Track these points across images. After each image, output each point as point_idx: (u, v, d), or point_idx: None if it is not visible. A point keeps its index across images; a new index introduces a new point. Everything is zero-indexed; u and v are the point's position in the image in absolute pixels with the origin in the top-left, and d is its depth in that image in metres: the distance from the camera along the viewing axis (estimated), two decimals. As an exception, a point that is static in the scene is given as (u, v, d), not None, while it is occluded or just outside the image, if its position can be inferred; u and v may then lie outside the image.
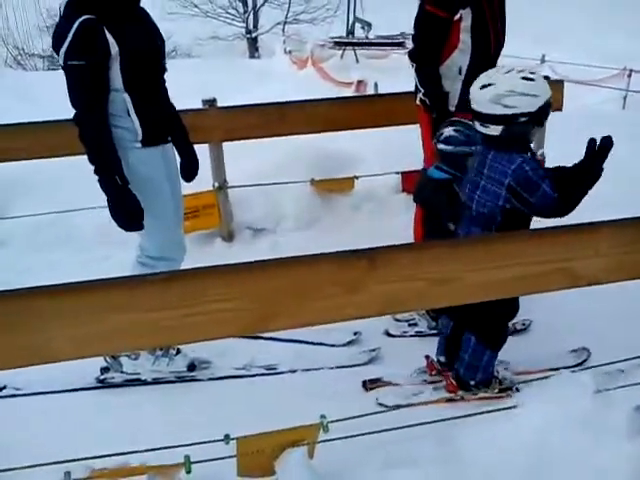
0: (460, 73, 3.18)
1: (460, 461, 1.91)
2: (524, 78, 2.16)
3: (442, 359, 2.67)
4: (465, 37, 3.13)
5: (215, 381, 2.77)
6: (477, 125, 2.27)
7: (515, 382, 2.53)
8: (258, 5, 21.94)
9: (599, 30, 16.55)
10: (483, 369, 2.48)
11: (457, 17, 3.08)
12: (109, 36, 2.34)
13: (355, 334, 3.00)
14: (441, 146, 2.82)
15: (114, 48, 2.36)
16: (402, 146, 4.23)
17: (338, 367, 2.79)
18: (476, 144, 2.78)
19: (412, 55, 3.28)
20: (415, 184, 3.13)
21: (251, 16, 22.03)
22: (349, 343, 2.98)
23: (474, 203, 2.31)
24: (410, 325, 3.08)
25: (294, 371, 2.79)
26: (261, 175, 4.31)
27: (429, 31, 3.16)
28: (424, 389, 2.58)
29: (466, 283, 1.91)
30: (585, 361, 2.73)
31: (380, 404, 2.45)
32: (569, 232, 1.98)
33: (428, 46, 3.17)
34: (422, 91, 3.20)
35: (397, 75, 10.29)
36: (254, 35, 21.62)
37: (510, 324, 2.75)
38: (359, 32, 16.42)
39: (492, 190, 2.22)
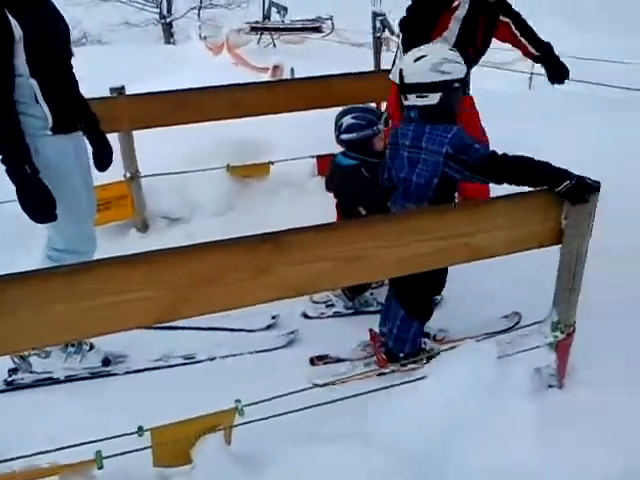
0: None
1: (374, 435, 1.97)
2: (448, 49, 2.39)
3: (385, 330, 2.74)
4: (454, 26, 3.17)
5: (132, 374, 2.72)
6: (413, 99, 2.33)
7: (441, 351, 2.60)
8: (171, -10, 21.31)
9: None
10: (411, 341, 2.58)
11: (456, 3, 3.14)
12: (12, 19, 2.23)
13: (273, 318, 3.02)
14: (344, 136, 2.89)
15: (17, 32, 2.24)
16: (316, 130, 4.24)
17: (257, 352, 2.80)
18: (377, 124, 2.86)
19: (403, 24, 3.27)
20: (326, 173, 3.17)
21: (164, 1, 21.37)
22: (268, 327, 2.99)
23: (414, 176, 2.38)
24: (327, 306, 3.12)
25: (213, 359, 2.77)
26: (176, 163, 4.22)
27: (429, 2, 3.18)
28: (356, 365, 2.64)
29: (376, 260, 1.97)
30: (517, 324, 2.86)
31: (314, 384, 2.45)
32: (469, 208, 2.08)
33: (422, 17, 3.17)
34: None
35: (314, 59, 10.31)
36: (168, 20, 20.99)
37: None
38: (275, 16, 16.28)
39: (432, 161, 2.31)
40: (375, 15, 4.88)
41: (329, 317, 3.09)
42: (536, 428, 2.03)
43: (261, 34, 15.50)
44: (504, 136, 3.52)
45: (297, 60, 9.81)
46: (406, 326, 2.55)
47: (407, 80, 2.33)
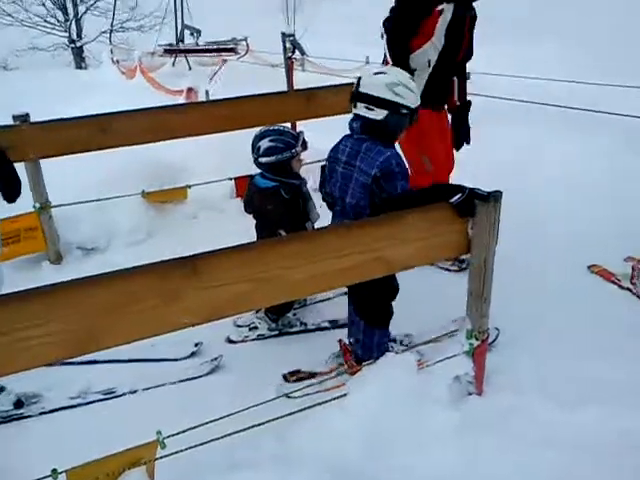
0: (429, 66, 3.30)
1: (300, 456, 1.96)
2: (410, 78, 2.43)
3: (352, 340, 2.74)
4: (440, 32, 3.24)
5: (48, 415, 2.59)
6: (361, 109, 2.36)
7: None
8: (80, 13, 20.73)
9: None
10: (377, 347, 2.61)
11: (440, 8, 3.19)
12: None
13: (196, 345, 2.95)
14: (263, 159, 2.88)
15: None
16: (232, 152, 4.25)
17: (180, 381, 2.73)
18: (295, 146, 2.88)
19: (387, 23, 3.27)
20: (244, 195, 3.16)
21: (74, 25, 20.80)
22: (191, 355, 2.92)
23: (348, 196, 2.41)
24: (251, 329, 3.08)
25: (134, 392, 2.68)
26: (90, 191, 4.09)
27: (412, 2, 3.22)
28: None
29: (290, 280, 1.97)
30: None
31: (287, 395, 2.41)
32: (380, 222, 2.11)
33: (406, 18, 3.21)
34: (391, 63, 3.24)
35: (228, 80, 10.29)
36: (79, 45, 20.43)
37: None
38: (189, 39, 16.19)
39: (362, 181, 2.34)
40: (284, 36, 4.94)
41: (253, 340, 3.05)
42: (458, 436, 2.09)
43: (175, 57, 15.38)
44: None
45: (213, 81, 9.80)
46: (370, 334, 2.60)
47: (361, 89, 2.37)
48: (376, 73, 2.38)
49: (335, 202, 2.52)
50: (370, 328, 2.60)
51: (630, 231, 3.73)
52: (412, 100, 2.36)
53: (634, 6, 13.95)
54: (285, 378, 2.68)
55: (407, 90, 2.34)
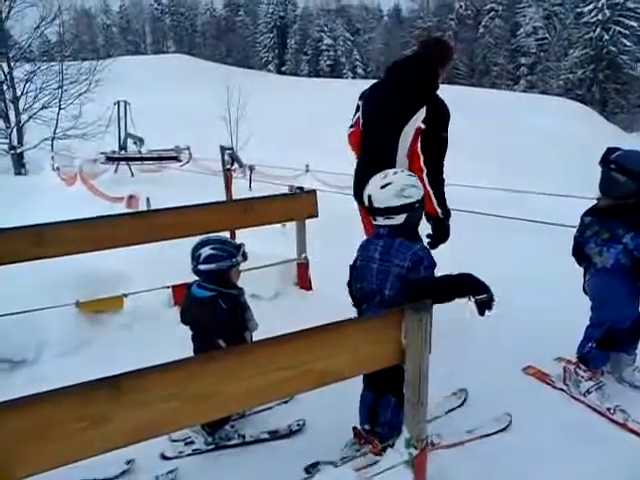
0: None
1: None
2: (407, 175, 2.65)
3: (367, 427, 2.74)
4: None
5: None
6: (381, 220, 2.59)
7: None
8: (22, 121, 20.85)
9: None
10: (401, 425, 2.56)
11: None
12: None
13: (128, 463, 2.78)
14: (203, 267, 2.87)
15: None
16: (171, 260, 4.24)
17: (110, 505, 2.56)
18: (236, 256, 2.90)
19: (438, 175, 3.61)
20: (181, 305, 3.12)
21: (15, 132, 20.83)
22: (122, 474, 2.75)
23: (387, 288, 2.57)
24: (187, 444, 2.94)
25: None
26: (20, 301, 3.96)
27: (445, 153, 3.63)
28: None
29: (223, 396, 1.93)
30: (465, 401, 3.13)
31: None
32: (317, 333, 2.12)
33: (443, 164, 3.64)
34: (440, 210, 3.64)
35: (171, 188, 10.44)
36: (19, 151, 20.39)
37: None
38: (132, 147, 16.50)
39: (397, 274, 2.53)
40: (223, 149, 5.15)
41: (189, 455, 2.91)
42: None
43: (118, 164, 15.59)
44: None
45: (156, 188, 9.92)
46: (397, 413, 2.57)
47: (375, 205, 2.57)
48: (382, 187, 2.56)
49: (373, 295, 2.63)
50: (401, 408, 2.56)
51: (559, 331, 3.86)
52: (419, 193, 2.59)
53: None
54: (306, 471, 2.60)
55: (414, 188, 2.58)
